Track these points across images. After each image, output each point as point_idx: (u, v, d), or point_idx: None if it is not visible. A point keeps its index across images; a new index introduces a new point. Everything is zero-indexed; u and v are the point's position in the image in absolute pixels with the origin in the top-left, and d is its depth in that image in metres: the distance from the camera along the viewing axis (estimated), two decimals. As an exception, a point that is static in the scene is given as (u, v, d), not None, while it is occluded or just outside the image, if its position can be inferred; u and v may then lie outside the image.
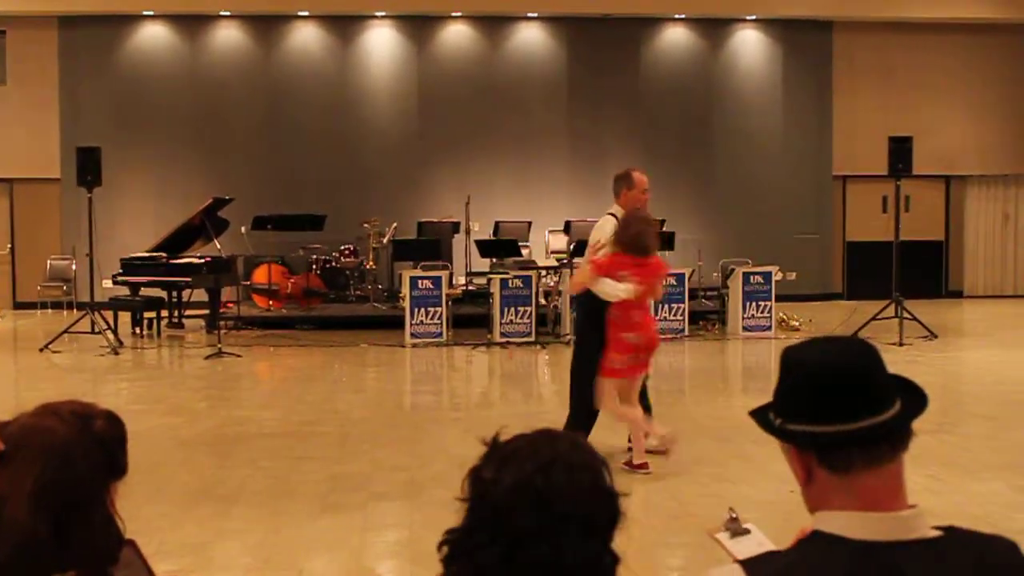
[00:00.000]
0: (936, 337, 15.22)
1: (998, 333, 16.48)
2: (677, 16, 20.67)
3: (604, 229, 7.96)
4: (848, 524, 1.76)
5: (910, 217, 19.52)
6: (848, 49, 21.18)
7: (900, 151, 15.75)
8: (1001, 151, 21.86)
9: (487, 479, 1.81)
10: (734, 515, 2.44)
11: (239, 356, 13.88)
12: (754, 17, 20.83)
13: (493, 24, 20.46)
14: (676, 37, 20.92)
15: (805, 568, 1.74)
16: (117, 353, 14.20)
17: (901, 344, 14.35)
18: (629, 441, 7.88)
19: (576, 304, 8.17)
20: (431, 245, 16.71)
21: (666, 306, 15.49)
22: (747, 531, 2.40)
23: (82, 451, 2.00)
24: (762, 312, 15.60)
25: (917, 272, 20.26)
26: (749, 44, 21.10)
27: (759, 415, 1.95)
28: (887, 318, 15.11)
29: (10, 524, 1.92)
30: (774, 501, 6.95)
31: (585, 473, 1.82)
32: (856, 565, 1.71)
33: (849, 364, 1.83)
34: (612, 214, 8.13)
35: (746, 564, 1.78)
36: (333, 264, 18.10)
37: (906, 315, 15.08)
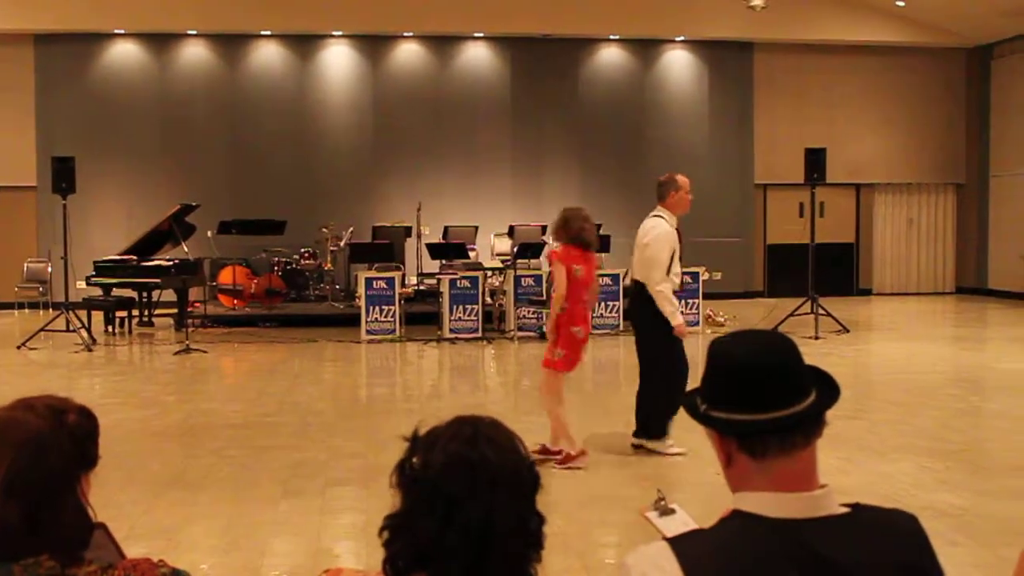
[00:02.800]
0: (848, 331, 15.42)
1: (904, 327, 16.72)
2: (612, 37, 20.77)
3: (658, 230, 7.74)
4: (764, 503, 1.77)
5: (824, 222, 19.76)
6: (767, 68, 21.39)
7: (815, 161, 15.94)
8: (905, 162, 22.18)
9: (416, 465, 1.82)
10: (661, 496, 2.46)
11: (205, 352, 13.77)
12: (682, 38, 20.97)
13: (442, 43, 20.44)
14: (611, 56, 21.01)
15: (727, 544, 1.75)
16: (90, 350, 14.03)
17: (817, 338, 14.53)
18: (544, 449, 7.59)
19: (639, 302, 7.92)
20: (385, 248, 16.65)
21: (602, 304, 15.55)
22: (673, 511, 2.43)
23: (54, 443, 1.98)
24: (690, 309, 15.68)
25: (831, 272, 20.51)
26: (677, 63, 21.24)
27: (687, 400, 1.95)
28: (804, 314, 15.29)
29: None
30: (700, 482, 7.02)
31: (506, 443, 1.84)
32: (772, 540, 1.73)
33: (769, 358, 1.83)
34: (659, 215, 7.90)
35: (672, 541, 1.78)
36: (293, 266, 18.02)
37: (821, 311, 15.26)
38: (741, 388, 1.82)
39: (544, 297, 14.97)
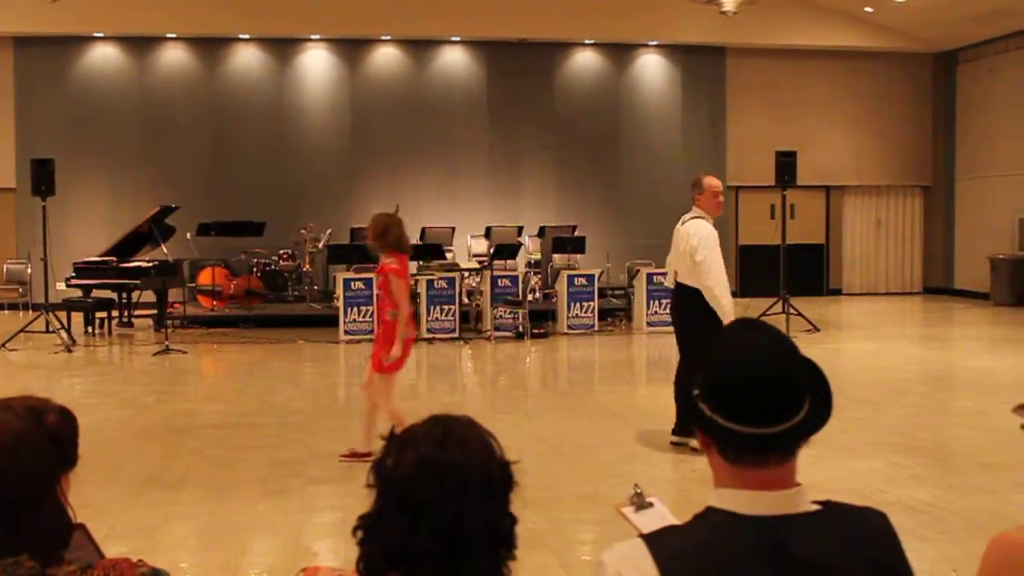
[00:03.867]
0: (819, 330, 15.50)
1: (873, 326, 16.81)
2: (587, 41, 20.79)
3: (703, 231, 7.72)
4: (739, 501, 1.77)
5: (795, 223, 19.85)
6: (739, 72, 21.46)
7: (786, 164, 16.02)
8: (873, 164, 22.32)
9: (389, 465, 1.82)
10: (638, 490, 2.45)
11: (185, 353, 13.69)
12: (655, 43, 21.02)
13: (419, 47, 20.41)
14: (586, 60, 21.04)
15: (701, 541, 1.74)
16: (70, 351, 13.92)
17: (788, 337, 14.57)
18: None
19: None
20: (363, 249, 16.59)
21: (577, 304, 15.59)
22: (651, 504, 2.41)
23: (34, 444, 1.96)
24: (664, 309, 15.66)
25: (801, 272, 20.61)
26: (651, 67, 21.29)
27: (693, 376, 1.89)
28: (775, 314, 15.35)
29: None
30: (675, 479, 7.04)
31: (477, 444, 1.83)
32: (745, 537, 1.73)
33: (769, 374, 1.78)
34: (699, 216, 7.92)
35: (647, 539, 1.77)
36: (272, 267, 17.95)
37: (792, 311, 15.34)
38: (730, 394, 1.78)
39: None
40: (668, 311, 15.68)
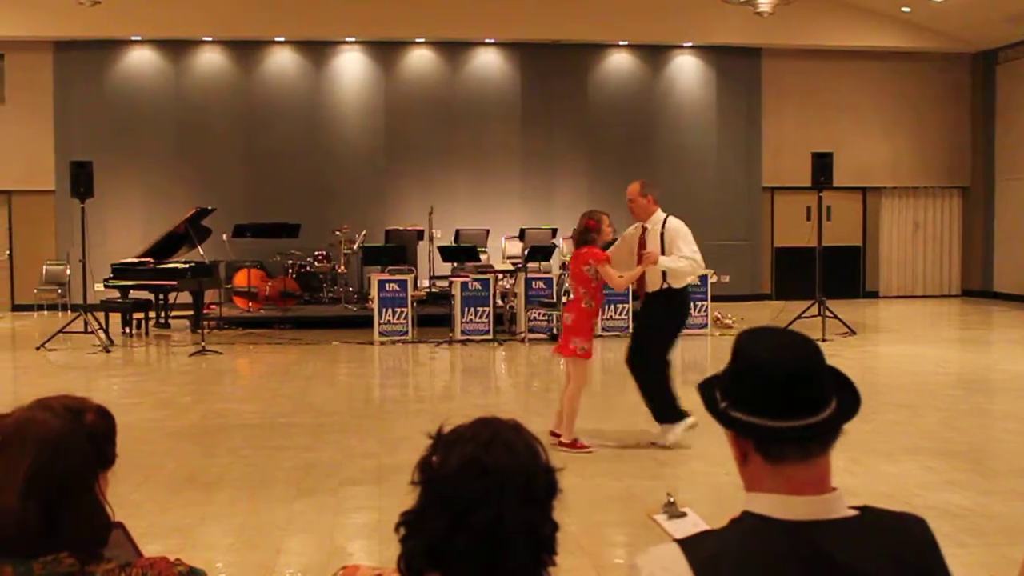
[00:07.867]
0: (855, 333, 15.38)
1: (909, 329, 16.66)
2: (621, 43, 20.75)
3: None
4: (775, 505, 1.76)
5: (831, 225, 19.71)
6: (775, 73, 21.34)
7: (822, 165, 15.89)
8: (911, 166, 22.12)
9: (435, 463, 1.83)
10: (671, 499, 2.44)
11: (221, 354, 13.79)
12: (690, 44, 20.95)
13: (453, 49, 20.45)
14: (620, 62, 20.99)
15: (737, 546, 1.74)
16: (108, 351, 14.06)
17: (824, 340, 14.46)
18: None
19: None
20: (398, 251, 16.66)
21: (612, 306, 15.53)
22: (683, 514, 2.41)
23: (72, 443, 1.98)
24: (699, 311, 15.63)
25: (838, 275, 20.47)
26: (686, 68, 21.21)
27: (706, 390, 1.90)
28: (811, 316, 15.24)
29: (1, 511, 1.90)
30: (709, 484, 7.00)
31: (522, 449, 1.84)
32: (782, 542, 1.72)
33: (795, 364, 1.78)
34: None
35: (683, 543, 1.77)
36: (308, 268, 18.03)
37: (828, 313, 15.22)
38: (765, 393, 1.78)
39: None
40: (702, 313, 15.81)
